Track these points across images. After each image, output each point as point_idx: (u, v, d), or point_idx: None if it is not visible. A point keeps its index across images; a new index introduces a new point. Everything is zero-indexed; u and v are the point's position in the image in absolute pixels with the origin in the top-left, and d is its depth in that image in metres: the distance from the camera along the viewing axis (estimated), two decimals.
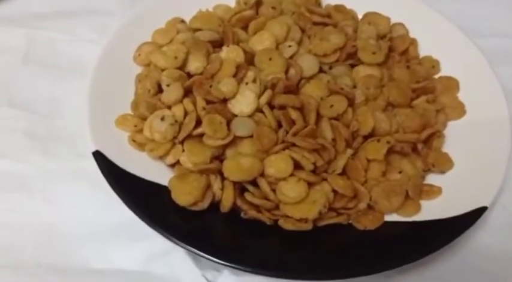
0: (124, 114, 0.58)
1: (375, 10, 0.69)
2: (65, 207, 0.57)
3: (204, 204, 0.52)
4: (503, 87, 0.62)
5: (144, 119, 0.58)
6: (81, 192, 0.57)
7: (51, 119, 0.63)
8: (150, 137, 0.56)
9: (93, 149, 0.54)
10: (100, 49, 0.63)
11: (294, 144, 0.54)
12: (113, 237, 0.55)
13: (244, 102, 0.56)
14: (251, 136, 0.55)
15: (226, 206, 0.52)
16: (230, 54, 0.61)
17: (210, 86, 0.57)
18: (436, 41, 0.66)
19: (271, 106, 0.57)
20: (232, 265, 0.48)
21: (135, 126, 0.57)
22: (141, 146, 0.56)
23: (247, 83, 0.57)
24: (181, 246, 0.49)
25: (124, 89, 0.61)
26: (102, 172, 0.53)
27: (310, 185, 0.53)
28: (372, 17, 0.68)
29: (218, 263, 0.48)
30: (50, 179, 0.59)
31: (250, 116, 0.56)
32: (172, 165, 0.56)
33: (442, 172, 0.56)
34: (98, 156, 0.54)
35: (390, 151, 0.55)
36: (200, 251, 0.48)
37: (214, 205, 0.53)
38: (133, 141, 0.56)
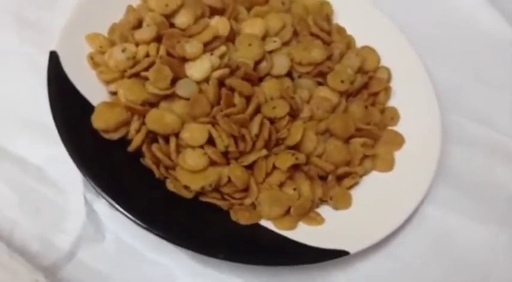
0: (98, 33, 0.62)
1: (375, 44, 0.71)
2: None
3: (114, 136, 0.56)
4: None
5: (113, 45, 0.62)
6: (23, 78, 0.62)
7: (42, 8, 0.67)
8: (107, 61, 0.60)
9: (53, 48, 0.58)
10: None
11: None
12: (30, 127, 0.59)
13: (198, 68, 0.59)
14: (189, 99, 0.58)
15: (133, 146, 0.56)
16: (218, 24, 0.64)
17: (178, 42, 0.60)
18: (410, 94, 0.68)
19: (223, 84, 0.59)
20: (105, 196, 0.51)
21: (101, 47, 0.61)
22: (95, 65, 0.60)
23: (212, 54, 0.60)
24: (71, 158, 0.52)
25: (116, 13, 0.65)
26: (48, 71, 0.57)
27: (214, 163, 0.56)
28: (364, 50, 0.70)
29: (94, 189, 0.51)
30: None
31: (199, 83, 0.59)
32: (112, 94, 0.60)
33: (336, 208, 0.58)
34: (53, 56, 0.58)
35: (298, 168, 0.57)
36: (84, 171, 0.52)
37: (126, 143, 0.57)
38: (91, 58, 0.60)
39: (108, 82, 0.60)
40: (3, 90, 0.62)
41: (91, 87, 0.59)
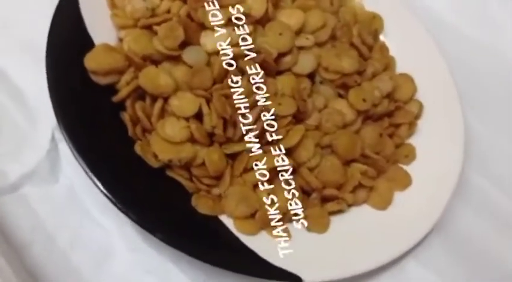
0: None
1: (417, 75, 0.64)
2: None
3: (102, 80, 0.52)
4: None
5: None
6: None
7: None
8: (126, 6, 0.56)
9: None
10: None
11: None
12: (26, 49, 0.57)
13: (214, 40, 0.54)
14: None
15: (118, 97, 0.52)
16: (254, 4, 0.59)
17: (203, 6, 0.56)
18: (436, 138, 0.61)
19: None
20: (67, 138, 0.48)
21: None
22: (113, 6, 0.57)
23: (234, 30, 0.56)
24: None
25: None
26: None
27: (194, 140, 0.51)
28: (402, 77, 0.63)
29: (59, 127, 0.48)
30: None
31: (210, 55, 0.54)
32: (120, 41, 0.56)
33: (308, 230, 0.52)
34: None
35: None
36: (56, 107, 0.48)
37: (113, 92, 0.53)
38: None
39: (119, 27, 0.56)
40: (11, 9, 0.60)
41: (100, 27, 0.56)
